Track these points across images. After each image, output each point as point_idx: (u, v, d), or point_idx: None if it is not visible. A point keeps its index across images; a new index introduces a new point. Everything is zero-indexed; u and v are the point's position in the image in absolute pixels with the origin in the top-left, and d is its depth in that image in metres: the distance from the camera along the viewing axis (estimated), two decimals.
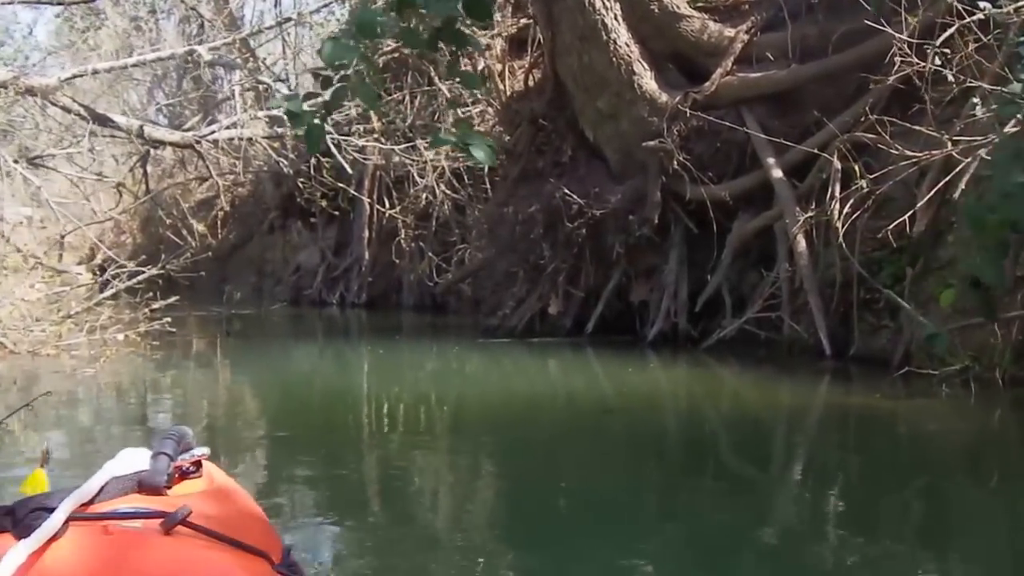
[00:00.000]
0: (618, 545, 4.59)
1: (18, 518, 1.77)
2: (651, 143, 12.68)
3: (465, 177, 18.14)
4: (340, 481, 6.12)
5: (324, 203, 18.46)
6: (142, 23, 28.27)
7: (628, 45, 12.75)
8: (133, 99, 33.07)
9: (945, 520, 5.25)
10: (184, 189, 29.89)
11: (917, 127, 9.97)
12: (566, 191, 13.22)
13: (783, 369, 11.13)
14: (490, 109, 17.11)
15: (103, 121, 14.34)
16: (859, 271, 10.91)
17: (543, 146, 14.30)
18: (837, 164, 11.21)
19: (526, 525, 5.20)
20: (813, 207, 11.47)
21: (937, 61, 9.60)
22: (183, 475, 2.22)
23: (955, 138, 9.59)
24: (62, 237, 20.56)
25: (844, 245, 10.84)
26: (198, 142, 14.65)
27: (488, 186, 17.42)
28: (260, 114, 15.89)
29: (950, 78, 9.56)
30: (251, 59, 17.63)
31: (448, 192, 18.40)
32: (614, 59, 12.74)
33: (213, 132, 15.00)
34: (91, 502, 1.90)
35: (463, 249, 18.79)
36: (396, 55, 17.16)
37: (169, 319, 12.15)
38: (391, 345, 14.77)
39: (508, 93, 15.17)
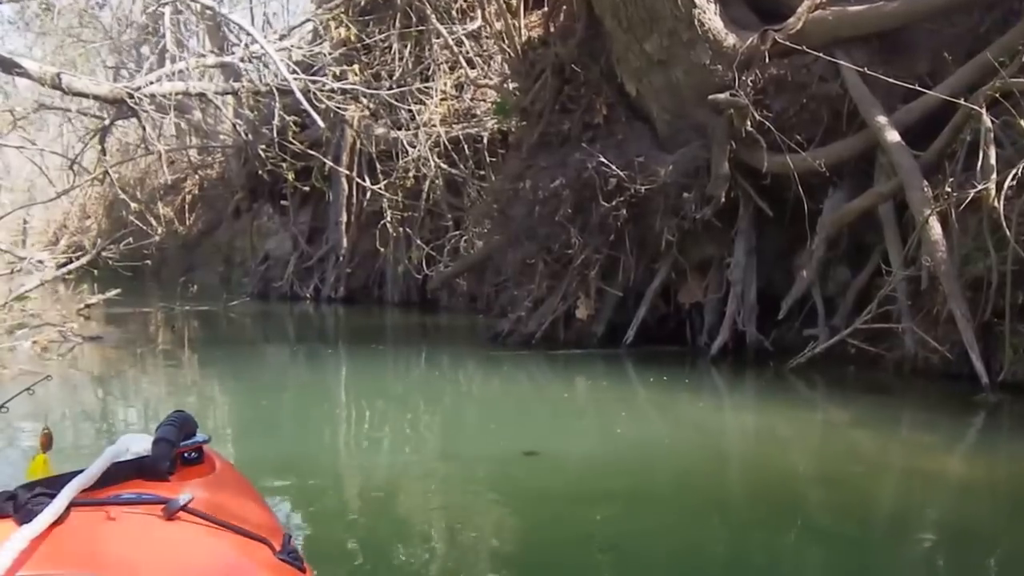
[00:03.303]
0: None
1: (20, 503, 1.86)
2: (718, 96, 9.84)
3: (465, 147, 15.10)
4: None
5: (291, 177, 15.32)
6: None
7: None
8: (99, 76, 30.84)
9: None
10: (148, 171, 27.50)
11: None
12: (601, 160, 10.81)
13: (904, 400, 8.50)
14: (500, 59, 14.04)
15: (8, 66, 11.32)
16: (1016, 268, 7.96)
17: (570, 104, 11.85)
18: (988, 121, 8.24)
19: None
20: (951, 180, 8.43)
21: None
22: (185, 462, 2.34)
23: None
24: (25, 222, 19.35)
25: (1008, 232, 7.83)
26: (130, 95, 11.58)
27: (489, 158, 14.62)
28: (210, 61, 12.81)
29: None
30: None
31: (444, 166, 15.36)
32: None
33: (150, 84, 11.87)
34: (94, 488, 2.01)
35: (456, 236, 16.32)
36: None
37: (72, 325, 9.36)
38: (374, 354, 12.47)
39: (524, 39, 12.15)
